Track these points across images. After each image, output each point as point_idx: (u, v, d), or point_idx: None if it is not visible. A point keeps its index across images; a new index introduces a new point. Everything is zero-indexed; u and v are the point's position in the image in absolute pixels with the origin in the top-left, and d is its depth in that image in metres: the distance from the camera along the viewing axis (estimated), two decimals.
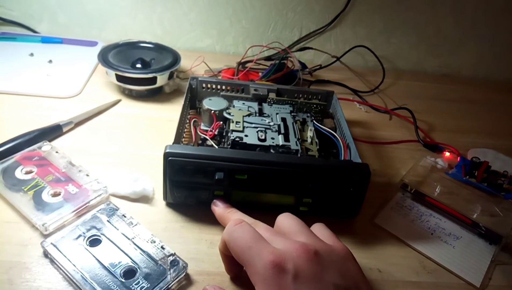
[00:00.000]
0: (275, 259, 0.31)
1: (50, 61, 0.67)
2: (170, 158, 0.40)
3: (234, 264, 0.35)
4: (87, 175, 0.44)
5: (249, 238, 0.33)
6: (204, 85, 0.57)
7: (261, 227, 0.35)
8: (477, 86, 0.83)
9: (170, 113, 0.59)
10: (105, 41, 0.72)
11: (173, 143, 0.43)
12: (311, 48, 0.79)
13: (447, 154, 0.59)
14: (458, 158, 0.57)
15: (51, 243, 0.37)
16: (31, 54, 0.68)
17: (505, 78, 0.89)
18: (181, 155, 0.40)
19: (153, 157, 0.44)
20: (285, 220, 0.36)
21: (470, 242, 0.45)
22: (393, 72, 0.84)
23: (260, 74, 0.69)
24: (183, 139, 0.51)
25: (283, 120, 0.51)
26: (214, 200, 0.42)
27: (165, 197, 0.43)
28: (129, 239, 0.38)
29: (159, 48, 0.66)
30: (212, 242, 0.41)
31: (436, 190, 0.51)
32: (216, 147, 0.47)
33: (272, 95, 0.56)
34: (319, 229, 0.36)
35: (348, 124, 0.52)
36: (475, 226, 0.46)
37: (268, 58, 0.74)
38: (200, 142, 0.50)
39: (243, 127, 0.48)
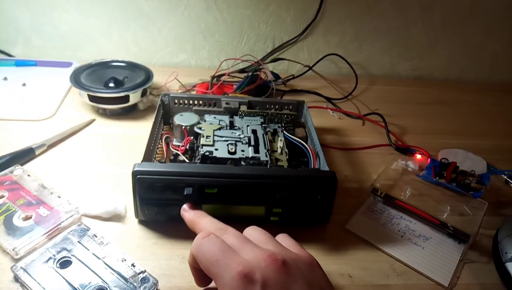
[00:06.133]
0: (243, 270, 0.31)
1: (24, 84, 0.67)
2: (138, 176, 0.41)
3: (204, 277, 0.36)
4: (59, 197, 0.45)
5: (217, 250, 0.33)
6: (176, 101, 0.58)
7: (230, 234, 0.35)
8: (448, 88, 0.85)
9: (144, 130, 0.59)
10: (81, 61, 0.72)
11: (142, 161, 0.44)
12: (284, 59, 0.80)
13: (418, 156, 0.60)
14: (429, 160, 0.58)
15: (21, 268, 0.37)
16: (5, 78, 0.68)
17: (476, 77, 0.91)
18: (149, 173, 0.41)
19: (127, 175, 0.44)
20: (251, 233, 0.37)
21: (440, 243, 0.46)
22: (367, 77, 0.85)
23: (234, 86, 0.70)
24: (156, 155, 0.52)
25: (254, 132, 0.52)
26: (183, 206, 0.41)
27: (136, 215, 0.44)
28: (99, 258, 0.38)
29: (132, 66, 0.67)
30: (184, 257, 0.41)
31: (407, 192, 0.52)
32: (188, 162, 0.48)
33: (243, 108, 0.57)
34: (284, 239, 0.37)
35: (321, 131, 0.53)
36: (443, 226, 0.47)
37: (242, 71, 0.75)
38: (172, 157, 0.51)
39: (214, 141, 0.49)
